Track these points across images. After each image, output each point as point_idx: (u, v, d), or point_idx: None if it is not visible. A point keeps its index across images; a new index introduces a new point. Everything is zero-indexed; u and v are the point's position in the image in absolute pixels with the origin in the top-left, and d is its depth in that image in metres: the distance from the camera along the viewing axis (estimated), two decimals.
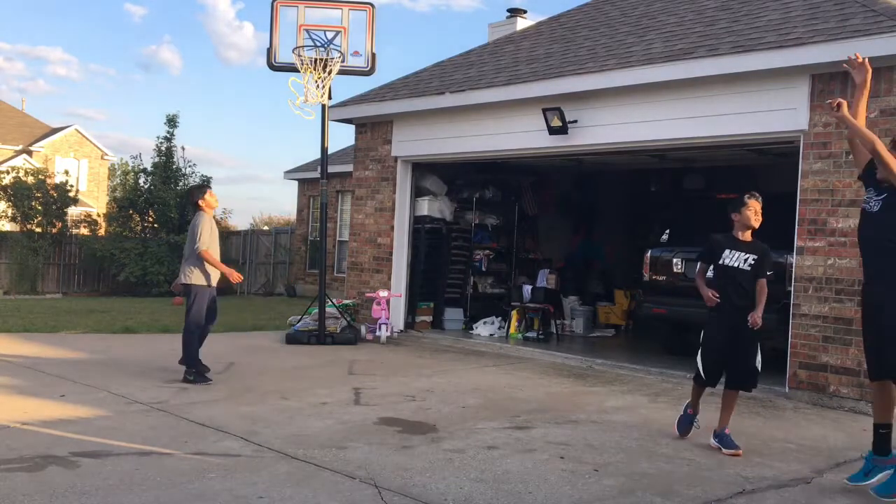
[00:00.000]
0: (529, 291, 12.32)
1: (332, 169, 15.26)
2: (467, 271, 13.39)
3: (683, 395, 8.03)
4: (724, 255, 5.95)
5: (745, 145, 9.47)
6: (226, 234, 23.63)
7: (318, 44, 11.10)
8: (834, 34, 7.99)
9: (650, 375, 9.21)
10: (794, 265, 8.28)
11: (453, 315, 12.96)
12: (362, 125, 13.13)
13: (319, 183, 12.14)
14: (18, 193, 21.26)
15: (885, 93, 7.62)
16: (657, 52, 9.68)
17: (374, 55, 11.53)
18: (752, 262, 5.86)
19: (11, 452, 5.26)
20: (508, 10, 16.00)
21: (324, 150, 11.63)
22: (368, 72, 11.59)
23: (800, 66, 8.09)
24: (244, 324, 13.53)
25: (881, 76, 7.59)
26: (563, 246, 15.37)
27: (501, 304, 13.17)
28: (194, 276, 8.06)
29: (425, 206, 12.68)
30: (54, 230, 21.61)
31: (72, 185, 22.67)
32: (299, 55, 10.94)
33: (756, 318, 5.71)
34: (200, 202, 8.27)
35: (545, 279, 12.69)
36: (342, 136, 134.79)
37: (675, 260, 10.09)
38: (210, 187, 8.85)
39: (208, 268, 8.11)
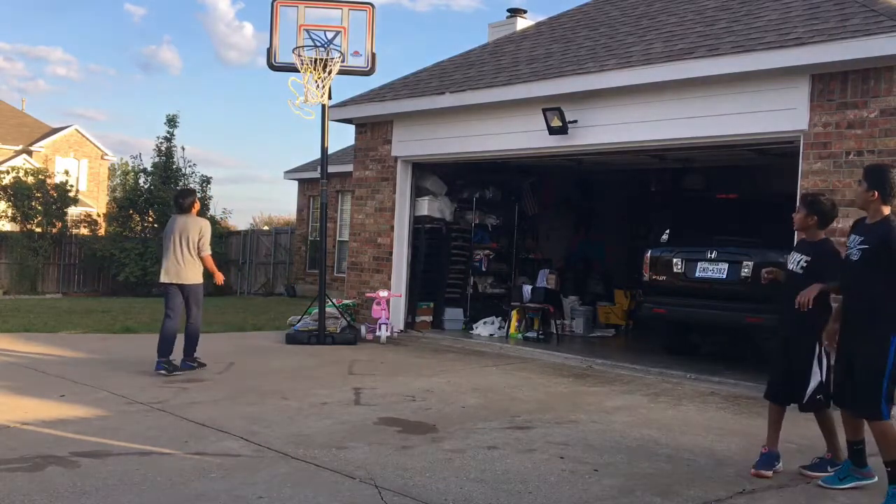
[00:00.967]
0: (529, 291, 12.31)
1: (332, 169, 15.25)
2: (467, 271, 13.38)
3: (683, 395, 8.05)
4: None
5: (745, 145, 9.47)
6: (226, 235, 23.66)
7: (318, 44, 11.10)
8: (834, 34, 7.98)
9: (650, 375, 9.21)
10: None
11: (453, 315, 12.95)
12: (362, 125, 13.13)
13: (319, 183, 12.14)
14: (18, 193, 21.27)
15: (885, 93, 7.61)
16: (657, 52, 9.68)
17: (374, 55, 11.54)
18: (804, 265, 5.30)
19: (11, 452, 5.27)
20: (508, 10, 15.99)
21: (324, 150, 11.63)
22: (368, 72, 11.60)
23: (800, 66, 8.08)
24: (244, 324, 13.54)
25: (881, 76, 7.60)
26: (563, 246, 15.37)
27: (501, 304, 13.16)
28: (197, 276, 8.66)
29: (425, 206, 12.67)
30: (54, 230, 21.61)
31: (72, 185, 22.68)
32: (299, 55, 10.94)
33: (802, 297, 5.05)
34: (195, 207, 8.81)
35: (545, 279, 12.68)
36: (342, 136, 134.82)
37: (675, 260, 10.07)
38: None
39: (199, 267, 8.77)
